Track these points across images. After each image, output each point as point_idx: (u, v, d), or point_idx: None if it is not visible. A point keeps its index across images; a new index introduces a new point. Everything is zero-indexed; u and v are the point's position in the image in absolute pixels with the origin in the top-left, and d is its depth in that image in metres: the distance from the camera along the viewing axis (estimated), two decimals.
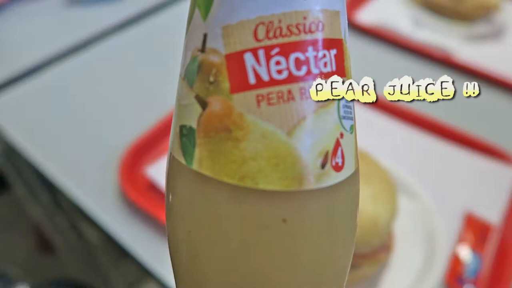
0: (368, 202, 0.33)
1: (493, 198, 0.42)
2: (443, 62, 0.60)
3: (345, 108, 0.13)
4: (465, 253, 0.37)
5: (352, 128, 0.14)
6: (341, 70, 0.13)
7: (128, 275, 0.62)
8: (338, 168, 0.13)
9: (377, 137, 0.48)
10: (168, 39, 0.60)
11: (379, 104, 0.51)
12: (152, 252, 0.37)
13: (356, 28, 0.65)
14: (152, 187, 0.41)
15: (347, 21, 0.14)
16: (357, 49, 0.63)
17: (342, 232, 0.14)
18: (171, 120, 0.46)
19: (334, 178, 0.13)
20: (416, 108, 0.51)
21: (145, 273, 0.37)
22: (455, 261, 0.36)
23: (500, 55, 0.62)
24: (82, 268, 0.72)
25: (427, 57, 0.61)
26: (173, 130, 0.14)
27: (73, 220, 0.54)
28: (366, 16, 0.68)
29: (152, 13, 0.66)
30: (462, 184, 0.44)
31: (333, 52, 0.13)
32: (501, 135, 0.48)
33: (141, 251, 0.37)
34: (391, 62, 0.61)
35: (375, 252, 0.34)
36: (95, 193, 0.41)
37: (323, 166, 0.12)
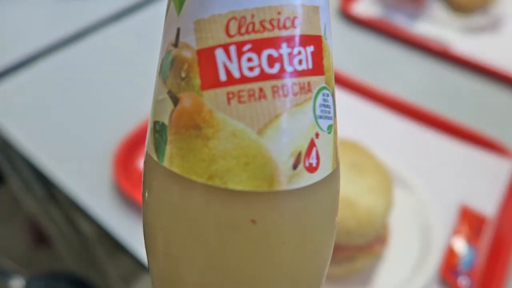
0: (364, 194, 0.33)
1: (488, 190, 0.42)
2: (440, 54, 0.60)
3: (322, 108, 0.13)
4: (460, 245, 0.37)
5: (331, 128, 0.13)
6: (319, 68, 0.12)
7: (124, 268, 0.62)
8: (312, 169, 0.12)
9: (373, 129, 0.48)
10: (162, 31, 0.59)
11: (375, 96, 0.51)
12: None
13: (353, 20, 0.65)
14: None
15: (329, 17, 0.13)
16: (353, 41, 0.63)
17: (317, 234, 0.13)
18: None
19: (308, 179, 0.12)
20: (412, 100, 0.51)
21: (140, 266, 0.37)
22: (450, 253, 0.36)
23: (497, 47, 0.62)
24: (77, 261, 0.72)
25: (424, 49, 0.61)
26: (149, 126, 0.13)
27: (68, 213, 0.54)
28: (362, 8, 0.67)
29: (146, 5, 0.65)
30: (457, 176, 0.44)
31: (310, 49, 0.12)
32: (496, 127, 0.48)
33: (136, 244, 0.37)
34: (387, 55, 0.61)
35: (370, 244, 0.34)
36: (90, 186, 0.41)
37: (295, 166, 0.12)
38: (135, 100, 0.50)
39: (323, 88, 0.13)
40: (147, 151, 0.13)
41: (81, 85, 0.52)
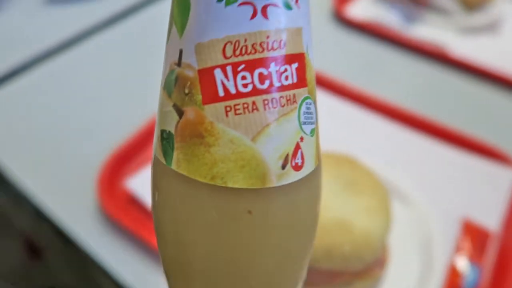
0: (361, 215, 0.31)
1: (491, 202, 0.40)
2: (438, 57, 0.58)
3: (306, 115, 0.15)
4: (463, 263, 0.35)
5: (313, 131, 0.15)
6: (302, 81, 0.14)
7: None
8: (298, 167, 0.14)
9: (369, 138, 0.46)
10: (146, 41, 0.57)
11: (371, 104, 0.49)
12: (133, 270, 0.35)
13: (347, 23, 0.63)
14: (133, 201, 0.38)
15: (310, 35, 0.15)
16: (348, 44, 0.61)
17: (302, 220, 0.16)
18: (152, 127, 0.44)
19: (294, 176, 0.14)
20: (410, 106, 0.49)
21: None
22: (453, 273, 0.35)
23: (496, 49, 0.60)
24: (72, 276, 0.70)
25: (421, 52, 0.59)
26: (156, 133, 0.15)
27: (60, 228, 0.52)
28: (357, 10, 0.65)
29: (131, 14, 0.63)
30: (458, 187, 0.42)
31: (295, 65, 0.14)
32: (499, 134, 0.46)
33: (121, 269, 0.35)
34: (384, 58, 0.59)
35: (369, 268, 0.32)
36: (72, 207, 0.39)
37: (283, 167, 0.14)
38: (119, 114, 0.48)
39: (307, 98, 0.15)
40: (155, 155, 0.15)
41: (62, 101, 0.49)
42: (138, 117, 0.46)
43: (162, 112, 0.15)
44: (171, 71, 0.14)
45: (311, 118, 0.15)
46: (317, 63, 0.58)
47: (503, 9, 0.65)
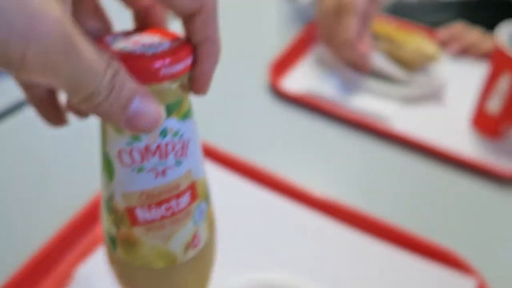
0: None
1: None
2: (378, 131, 0.53)
3: (199, 214, 0.23)
4: None
5: (206, 217, 0.24)
6: (194, 198, 0.22)
7: None
8: (195, 246, 0.23)
9: (306, 242, 0.39)
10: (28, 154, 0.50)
11: (303, 197, 0.43)
12: None
13: (283, 97, 0.58)
14: None
15: (199, 164, 0.22)
16: (284, 119, 0.56)
17: (201, 272, 0.26)
18: (56, 245, 0.36)
19: (193, 252, 0.23)
20: (347, 190, 0.44)
21: None
22: None
23: (441, 118, 0.57)
24: None
25: (360, 126, 0.54)
26: (105, 229, 0.23)
27: None
28: (292, 83, 0.60)
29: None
30: None
31: (188, 193, 0.22)
32: (453, 233, 0.41)
33: None
34: (320, 133, 0.54)
35: None
36: None
37: (185, 251, 0.23)
38: (20, 229, 0.39)
39: (198, 204, 0.23)
40: (107, 242, 0.24)
41: None
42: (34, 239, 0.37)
43: (106, 220, 0.22)
44: (108, 200, 0.22)
45: (203, 212, 0.23)
46: (253, 139, 0.51)
47: (443, 73, 0.63)
